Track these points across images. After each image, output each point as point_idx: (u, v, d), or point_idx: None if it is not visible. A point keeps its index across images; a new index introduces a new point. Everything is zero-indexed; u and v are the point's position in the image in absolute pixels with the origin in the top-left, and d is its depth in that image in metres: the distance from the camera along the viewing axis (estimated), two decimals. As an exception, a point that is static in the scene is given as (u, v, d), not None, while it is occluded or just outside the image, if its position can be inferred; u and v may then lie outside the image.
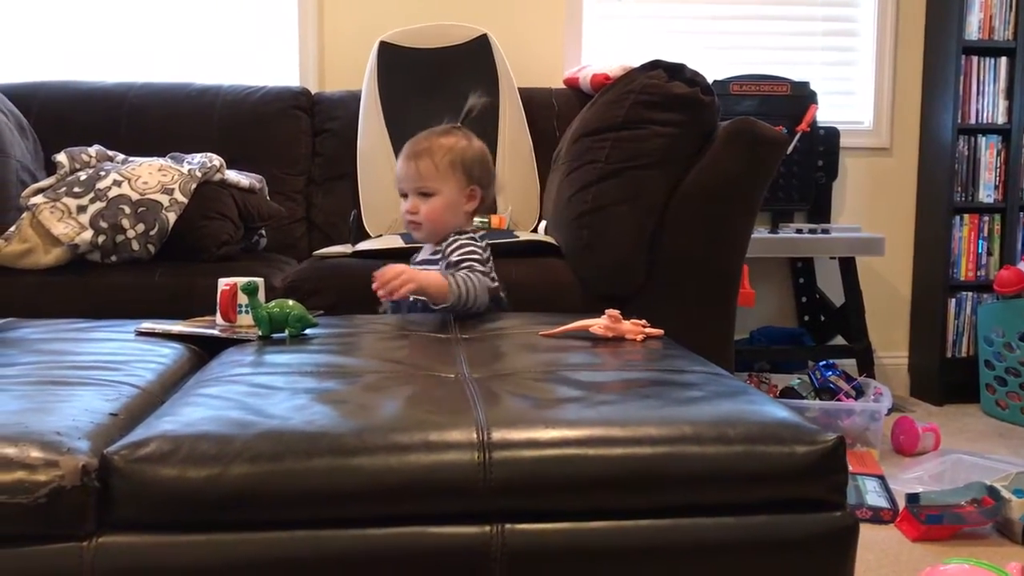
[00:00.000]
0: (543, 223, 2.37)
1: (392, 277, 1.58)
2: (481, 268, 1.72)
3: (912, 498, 1.90)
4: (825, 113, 2.90)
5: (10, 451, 0.91)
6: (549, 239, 2.16)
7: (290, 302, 1.49)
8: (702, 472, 0.99)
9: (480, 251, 1.76)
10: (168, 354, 1.39)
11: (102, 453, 0.94)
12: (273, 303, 1.49)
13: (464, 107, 1.89)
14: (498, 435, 0.98)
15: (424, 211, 1.78)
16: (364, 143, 2.51)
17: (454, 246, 1.77)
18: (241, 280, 1.56)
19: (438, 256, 1.80)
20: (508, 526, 0.96)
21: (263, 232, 2.32)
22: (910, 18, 3.04)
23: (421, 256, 1.86)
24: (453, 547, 0.95)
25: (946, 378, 2.95)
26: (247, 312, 1.54)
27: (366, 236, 2.39)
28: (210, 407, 1.05)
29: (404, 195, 1.82)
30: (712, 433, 1.01)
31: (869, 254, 2.84)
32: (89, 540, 0.91)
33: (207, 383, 1.18)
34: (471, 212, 1.84)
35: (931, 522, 1.83)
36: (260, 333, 1.47)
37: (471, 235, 1.80)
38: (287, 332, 1.47)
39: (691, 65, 2.01)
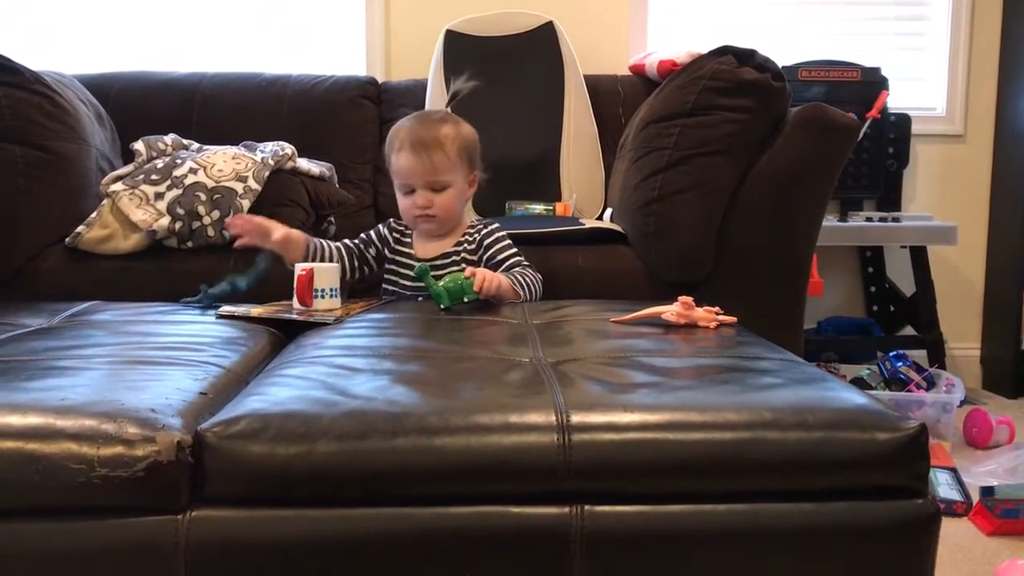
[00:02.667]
0: (608, 211, 2.36)
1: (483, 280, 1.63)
2: (527, 263, 1.80)
3: (987, 491, 1.86)
4: (896, 99, 2.84)
5: (109, 427, 0.95)
6: (615, 226, 2.15)
7: (458, 277, 1.60)
8: (782, 458, 0.99)
9: (512, 243, 1.84)
10: (249, 336, 1.43)
11: (195, 430, 0.98)
12: (444, 280, 1.59)
13: (450, 92, 1.93)
14: (577, 418, 0.99)
15: (439, 204, 1.79)
16: (430, 131, 2.53)
17: (492, 240, 1.83)
18: (318, 265, 1.59)
19: (460, 249, 1.82)
20: (588, 508, 0.97)
21: (332, 219, 2.36)
22: (985, 0, 2.95)
23: (427, 253, 1.83)
24: (533, 527, 0.97)
25: (1021, 370, 2.87)
26: (323, 296, 1.58)
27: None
28: (295, 387, 1.08)
29: (410, 190, 1.80)
30: (792, 419, 1.01)
31: (941, 243, 2.78)
32: (183, 513, 0.95)
33: (290, 364, 1.21)
34: (469, 198, 1.89)
35: (1007, 516, 1.80)
36: (443, 305, 1.58)
37: (495, 225, 1.86)
38: (466, 299, 1.59)
39: (759, 50, 1.99)
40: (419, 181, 1.78)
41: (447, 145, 1.76)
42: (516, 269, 1.79)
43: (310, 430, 0.96)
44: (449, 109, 1.88)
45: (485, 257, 1.82)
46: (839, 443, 0.99)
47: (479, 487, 0.97)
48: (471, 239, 1.83)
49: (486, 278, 1.62)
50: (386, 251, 1.90)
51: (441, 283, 1.59)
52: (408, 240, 1.88)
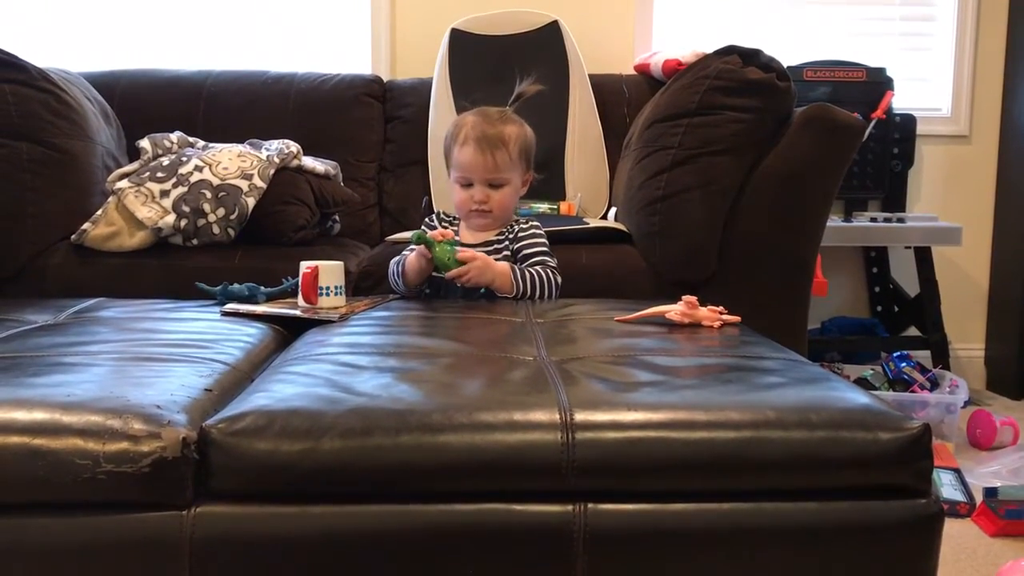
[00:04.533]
0: (613, 210, 2.37)
1: (469, 259, 1.71)
2: (552, 263, 1.83)
3: (990, 492, 1.86)
4: (901, 99, 2.83)
5: (115, 423, 0.95)
6: (619, 226, 2.16)
7: (453, 256, 1.69)
8: (785, 457, 0.99)
9: (547, 242, 1.87)
10: (254, 333, 1.43)
11: (200, 426, 0.98)
12: (439, 247, 1.68)
13: (514, 92, 1.95)
14: (581, 416, 0.99)
15: (497, 200, 1.84)
16: (435, 130, 2.53)
17: (526, 235, 1.86)
18: (323, 263, 1.60)
19: (503, 239, 1.85)
20: (590, 506, 0.97)
21: (336, 217, 2.36)
22: (991, 1, 2.95)
23: (473, 240, 1.86)
24: (536, 525, 0.97)
25: (1025, 371, 2.87)
26: (327, 294, 1.58)
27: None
28: (300, 384, 1.09)
29: (467, 183, 1.84)
30: (795, 418, 1.01)
31: (945, 244, 2.77)
32: (188, 509, 0.95)
33: (294, 361, 1.21)
34: (522, 196, 1.94)
35: (1011, 517, 1.80)
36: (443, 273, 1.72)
37: (535, 223, 1.90)
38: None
39: (765, 50, 1.99)
40: (479, 176, 1.82)
41: (510, 144, 1.81)
42: (536, 267, 1.81)
43: (315, 427, 0.96)
44: (511, 110, 1.91)
45: (515, 248, 1.85)
46: (842, 443, 0.99)
47: (483, 484, 0.97)
48: (511, 232, 1.87)
49: (467, 273, 1.69)
50: None
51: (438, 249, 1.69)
52: (455, 230, 1.92)
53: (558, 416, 0.99)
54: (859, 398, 1.07)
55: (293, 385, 1.09)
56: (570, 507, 0.97)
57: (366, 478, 0.96)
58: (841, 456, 0.99)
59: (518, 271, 1.77)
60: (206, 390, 1.10)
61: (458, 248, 1.73)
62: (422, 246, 1.71)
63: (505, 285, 1.75)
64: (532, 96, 1.96)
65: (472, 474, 0.96)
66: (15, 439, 0.94)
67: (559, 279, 1.82)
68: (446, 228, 1.92)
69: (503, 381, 1.12)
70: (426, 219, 1.98)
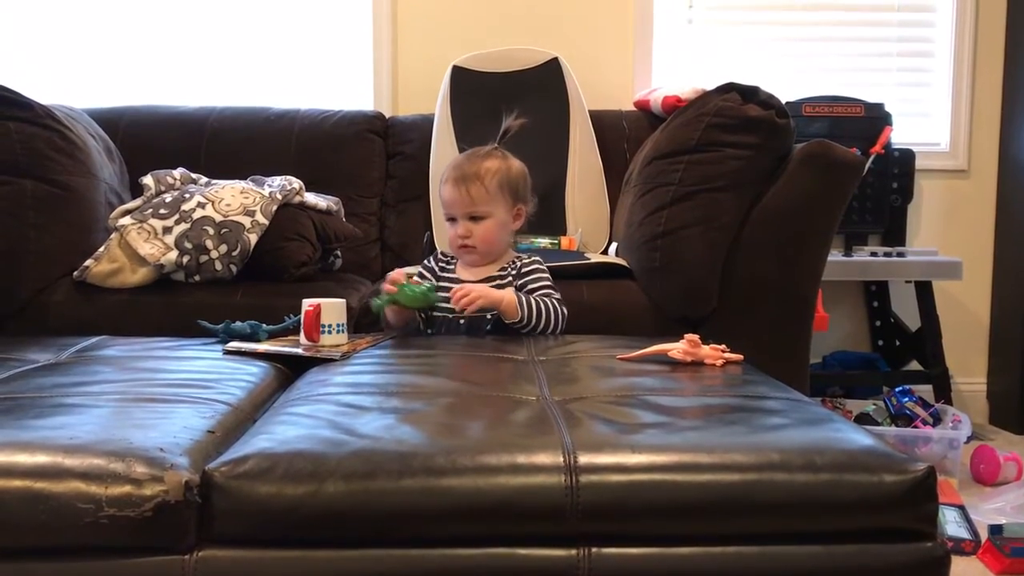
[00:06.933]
0: (613, 245, 2.37)
1: (463, 295, 1.72)
2: (557, 296, 1.84)
3: (995, 529, 1.85)
4: (900, 135, 2.85)
5: (118, 466, 0.95)
6: (620, 261, 2.16)
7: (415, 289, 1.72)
8: (790, 500, 0.99)
9: (549, 276, 1.88)
10: (256, 372, 1.43)
11: (203, 469, 0.98)
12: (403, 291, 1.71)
13: (501, 128, 1.96)
14: (585, 459, 0.99)
15: (478, 234, 1.85)
16: (436, 166, 2.55)
17: (529, 270, 1.87)
18: (325, 301, 1.60)
19: (506, 275, 1.85)
20: (595, 550, 0.97)
21: (338, 253, 2.37)
22: (988, 36, 2.98)
23: (471, 278, 1.87)
24: (540, 569, 0.96)
25: (1028, 406, 2.86)
26: (329, 332, 1.58)
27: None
28: (303, 425, 1.08)
29: (452, 219, 1.87)
30: (799, 461, 1.01)
31: (946, 278, 2.78)
32: (191, 554, 0.95)
33: (296, 402, 1.21)
34: (516, 230, 1.93)
35: (1016, 555, 1.78)
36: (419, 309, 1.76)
37: (537, 259, 1.91)
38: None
39: (763, 87, 2.01)
40: (459, 211, 1.85)
41: (486, 178, 1.83)
42: (543, 298, 1.81)
43: (318, 470, 0.96)
44: (499, 145, 1.92)
45: (519, 284, 1.86)
46: (847, 485, 0.99)
47: (486, 528, 0.96)
48: (513, 268, 1.88)
49: (466, 296, 1.72)
50: (434, 280, 1.93)
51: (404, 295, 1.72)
52: (452, 267, 1.93)
53: (562, 459, 0.99)
54: (863, 439, 1.06)
55: (295, 427, 1.08)
56: (574, 551, 0.96)
57: (369, 522, 0.95)
58: (846, 499, 0.99)
59: (523, 298, 1.77)
60: (209, 432, 1.10)
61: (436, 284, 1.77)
62: (391, 306, 1.75)
63: (510, 309, 1.75)
64: (519, 130, 1.97)
65: (476, 518, 0.96)
66: (17, 483, 0.94)
67: (565, 310, 1.82)
68: (443, 266, 1.93)
69: (506, 422, 1.12)
70: (424, 260, 1.99)
